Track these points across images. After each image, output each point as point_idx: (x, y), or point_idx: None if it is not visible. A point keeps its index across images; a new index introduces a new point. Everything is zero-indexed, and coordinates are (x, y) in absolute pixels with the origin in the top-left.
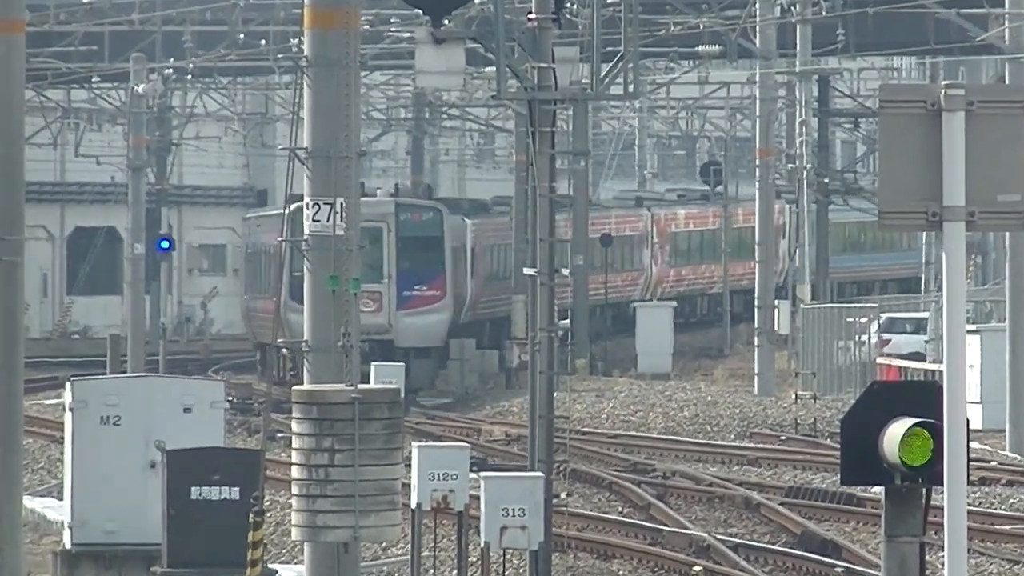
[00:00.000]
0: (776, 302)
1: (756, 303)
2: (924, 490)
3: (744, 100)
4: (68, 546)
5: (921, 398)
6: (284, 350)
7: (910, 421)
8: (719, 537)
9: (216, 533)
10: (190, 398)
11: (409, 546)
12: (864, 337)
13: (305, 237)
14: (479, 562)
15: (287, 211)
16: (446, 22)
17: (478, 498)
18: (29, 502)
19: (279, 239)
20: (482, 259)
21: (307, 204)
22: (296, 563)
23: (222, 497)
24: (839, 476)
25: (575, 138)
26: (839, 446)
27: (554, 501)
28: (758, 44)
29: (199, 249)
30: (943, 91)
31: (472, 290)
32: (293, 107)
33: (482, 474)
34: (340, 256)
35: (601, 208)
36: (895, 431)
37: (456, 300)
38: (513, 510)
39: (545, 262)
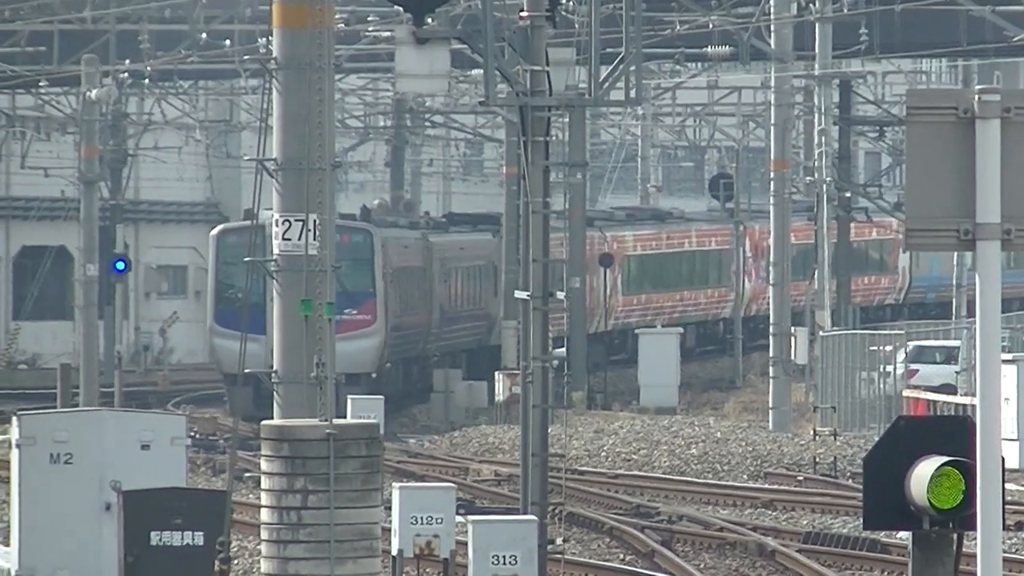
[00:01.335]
0: (793, 329)
1: (771, 330)
2: (955, 536)
3: (757, 107)
4: None
5: (952, 434)
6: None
7: (940, 460)
8: None
9: None
10: (148, 434)
11: None
12: (889, 367)
13: (274, 257)
14: None
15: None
16: (429, 20)
17: (465, 544)
18: None
19: (245, 259)
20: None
21: (276, 220)
22: None
23: (184, 543)
24: (862, 520)
25: (571, 148)
26: (862, 487)
27: (549, 547)
28: (773, 45)
29: (158, 270)
30: (977, 97)
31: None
32: (261, 114)
33: (470, 517)
34: (313, 278)
35: (683, 221)
36: (923, 471)
37: (390, 325)
38: (504, 557)
39: (538, 285)
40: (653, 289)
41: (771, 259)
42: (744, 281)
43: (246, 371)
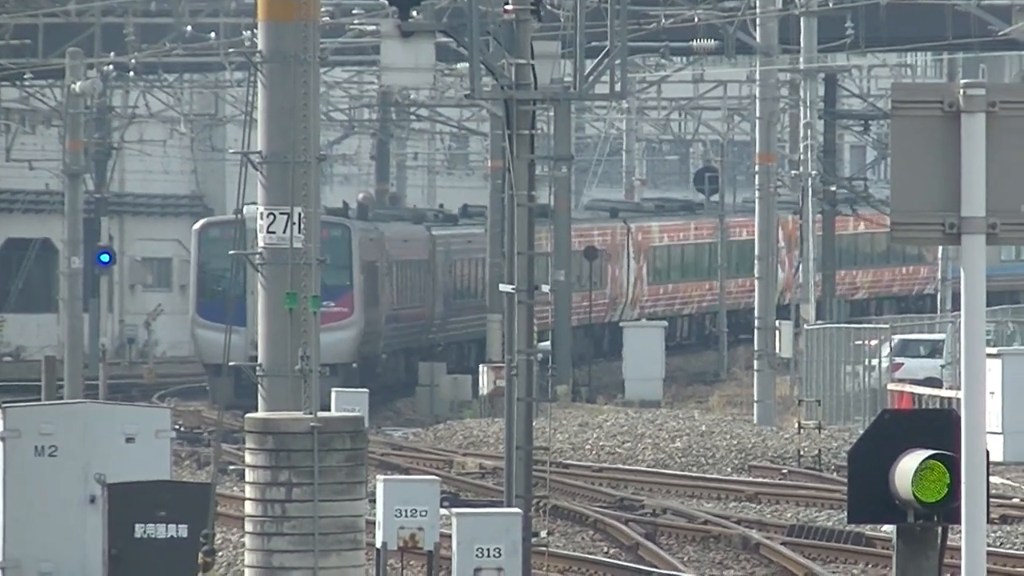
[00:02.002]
0: (777, 322)
1: (756, 323)
2: (940, 529)
3: (743, 100)
4: None
5: (937, 428)
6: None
7: (924, 453)
8: None
9: (162, 574)
10: (133, 427)
11: None
12: (874, 361)
13: (259, 250)
14: None
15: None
16: (414, 14)
17: (449, 536)
18: None
19: (230, 252)
20: None
21: (261, 213)
22: None
23: (169, 535)
24: (846, 513)
25: (556, 142)
26: (846, 480)
27: (533, 540)
28: (758, 39)
29: (143, 263)
30: (962, 91)
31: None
32: (246, 107)
33: (454, 510)
34: (297, 271)
35: (713, 213)
36: (908, 464)
37: (368, 318)
38: (488, 550)
39: (523, 278)
40: (680, 279)
41: (756, 252)
42: (777, 270)
43: (231, 363)
